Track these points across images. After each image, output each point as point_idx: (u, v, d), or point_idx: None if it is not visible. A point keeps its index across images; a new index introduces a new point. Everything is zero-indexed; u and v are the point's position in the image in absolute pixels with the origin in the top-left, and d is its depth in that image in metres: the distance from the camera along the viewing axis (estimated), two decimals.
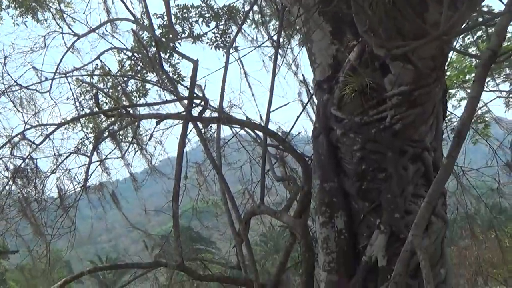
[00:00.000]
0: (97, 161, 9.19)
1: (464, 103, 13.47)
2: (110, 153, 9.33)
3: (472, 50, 11.66)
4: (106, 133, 8.97)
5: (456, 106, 12.68)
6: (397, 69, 5.52)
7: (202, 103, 7.53)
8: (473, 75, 13.26)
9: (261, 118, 10.10)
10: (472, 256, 19.14)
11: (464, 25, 5.69)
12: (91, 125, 11.33)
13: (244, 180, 10.21)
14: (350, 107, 5.84)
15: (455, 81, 12.54)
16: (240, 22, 11.27)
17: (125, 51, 11.57)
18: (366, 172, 5.73)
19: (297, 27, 9.33)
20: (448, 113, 9.23)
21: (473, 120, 9.66)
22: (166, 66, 11.54)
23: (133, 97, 12.04)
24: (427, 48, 5.31)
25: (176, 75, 12.00)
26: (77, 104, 10.78)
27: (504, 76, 12.62)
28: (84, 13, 12.84)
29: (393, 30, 5.30)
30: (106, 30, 11.60)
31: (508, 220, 24.35)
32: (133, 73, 11.85)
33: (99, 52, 11.32)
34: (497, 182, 10.63)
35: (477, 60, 5.92)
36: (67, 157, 9.21)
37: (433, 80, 5.53)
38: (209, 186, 10.40)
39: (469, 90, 12.96)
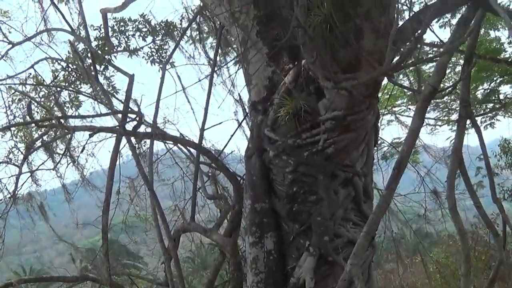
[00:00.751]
0: (28, 171, 9.01)
1: (392, 126, 13.82)
2: (41, 164, 9.16)
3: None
4: (38, 144, 8.79)
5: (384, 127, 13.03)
6: (332, 94, 5.61)
7: (137, 118, 7.47)
8: (404, 100, 13.68)
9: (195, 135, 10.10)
10: (397, 280, 19.43)
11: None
12: (21, 134, 11.09)
13: (176, 196, 10.16)
14: (284, 129, 5.90)
15: (386, 106, 12.83)
16: (177, 38, 11.24)
17: (60, 61, 11.39)
18: (297, 194, 5.79)
19: (234, 47, 9.39)
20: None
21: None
22: (101, 79, 11.41)
23: (66, 108, 11.84)
24: (362, 76, 5.41)
25: (111, 88, 11.86)
26: (9, 112, 10.55)
27: (434, 105, 13.01)
28: (20, 21, 12.58)
29: (329, 57, 5.38)
30: (42, 39, 11.38)
31: (432, 245, 24.89)
32: (67, 84, 11.66)
33: (34, 61, 11.11)
34: (424, 207, 10.89)
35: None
36: None
37: (367, 106, 5.65)
38: (140, 200, 10.30)
39: (399, 116, 13.32)
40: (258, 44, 6.28)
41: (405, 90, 12.39)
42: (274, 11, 6.26)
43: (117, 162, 7.46)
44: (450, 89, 7.37)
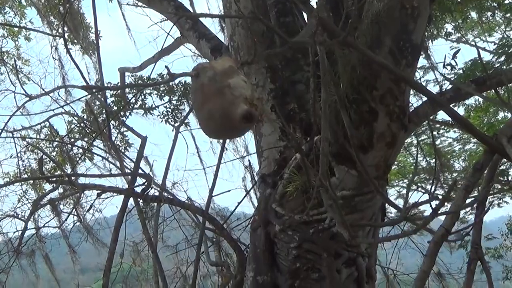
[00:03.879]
0: (33, 228, 9.09)
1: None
2: (48, 222, 9.22)
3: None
4: (46, 200, 8.87)
5: None
6: (342, 173, 5.63)
7: (146, 181, 7.53)
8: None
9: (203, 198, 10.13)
10: None
11: None
12: (30, 187, 11.20)
13: (178, 259, 10.16)
14: (292, 205, 5.91)
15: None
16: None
17: (74, 116, 11.55)
18: (300, 271, 5.77)
19: None
20: None
21: None
22: (115, 133, 11.55)
23: (77, 160, 11.95)
24: (372, 157, 5.46)
25: (124, 142, 11.96)
26: (20, 163, 10.71)
27: None
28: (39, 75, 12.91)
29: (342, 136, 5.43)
30: (58, 94, 11.63)
31: None
32: (81, 136, 11.82)
33: (49, 114, 11.32)
34: None
35: None
36: (1, 219, 9.05)
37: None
38: (142, 261, 10.31)
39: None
40: (272, 117, 6.36)
41: None
42: (289, 86, 6.36)
43: (122, 224, 7.49)
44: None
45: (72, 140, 11.67)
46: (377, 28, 5.35)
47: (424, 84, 11.23)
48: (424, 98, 6.16)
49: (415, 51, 5.46)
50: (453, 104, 8.97)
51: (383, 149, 5.42)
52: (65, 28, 10.38)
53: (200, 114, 3.82)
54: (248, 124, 3.63)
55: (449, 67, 6.21)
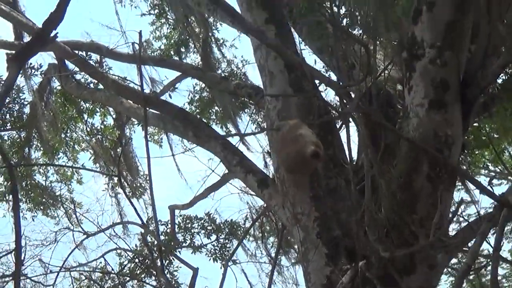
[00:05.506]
0: None
1: None
2: None
3: None
4: None
5: None
6: None
7: None
8: None
9: None
10: None
11: None
12: None
13: None
14: None
15: None
16: (240, 237, 11.73)
17: (128, 252, 11.98)
18: None
19: (295, 246, 9.74)
20: None
21: None
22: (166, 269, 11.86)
23: None
24: (416, 280, 5.64)
25: (174, 282, 12.21)
26: None
27: None
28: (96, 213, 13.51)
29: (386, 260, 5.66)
30: (114, 230, 12.17)
31: None
32: (134, 273, 12.15)
33: (105, 250, 11.83)
34: None
35: None
36: None
37: None
38: None
39: None
40: (318, 244, 6.62)
41: None
42: (333, 214, 6.67)
43: None
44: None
45: (127, 276, 12.01)
46: (414, 155, 5.72)
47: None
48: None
49: (452, 176, 5.79)
50: None
51: (426, 271, 5.62)
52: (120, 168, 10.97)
53: (281, 155, 5.43)
54: (316, 160, 4.96)
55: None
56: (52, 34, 3.33)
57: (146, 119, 8.48)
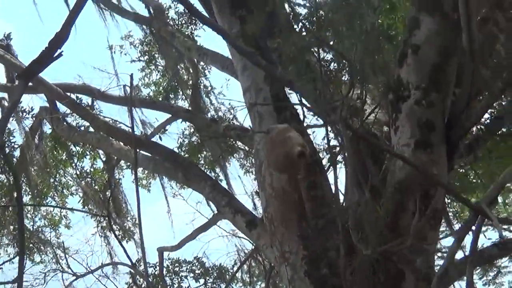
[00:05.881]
0: None
1: None
2: None
3: None
4: None
5: None
6: None
7: None
8: None
9: None
10: None
11: None
12: None
13: None
14: None
15: None
16: (228, 280, 11.74)
17: None
18: None
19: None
20: None
21: None
22: None
23: None
24: None
25: None
26: None
27: None
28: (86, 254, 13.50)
29: None
30: (103, 271, 12.18)
31: None
32: None
33: None
34: None
35: None
36: None
37: None
38: None
39: None
40: (306, 281, 6.66)
41: None
42: (321, 252, 6.73)
43: None
44: None
45: None
46: (400, 194, 5.83)
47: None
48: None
49: (437, 216, 5.90)
50: None
51: None
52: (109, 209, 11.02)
53: (270, 156, 5.67)
54: (303, 159, 5.18)
55: None
56: (57, 53, 3.46)
57: (137, 160, 8.58)
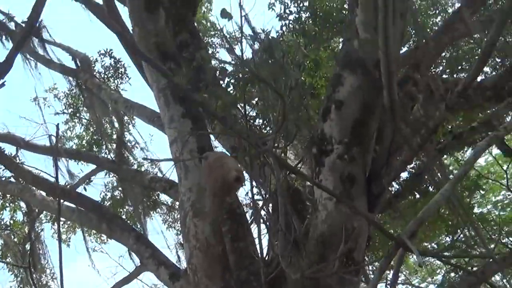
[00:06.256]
0: None
1: None
2: None
3: None
4: None
5: None
6: None
7: None
8: None
9: None
10: None
11: None
12: None
13: None
14: None
15: None
16: None
17: None
18: None
19: None
20: None
21: None
22: None
23: None
24: None
25: None
26: None
27: None
28: None
29: None
30: None
31: None
32: None
33: None
34: None
35: None
36: None
37: None
38: None
39: None
40: None
41: None
42: None
43: None
44: None
45: None
46: (322, 247, 5.93)
47: None
48: None
49: (357, 269, 6.02)
50: None
51: None
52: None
53: (208, 181, 5.69)
54: (239, 184, 5.26)
55: None
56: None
57: (60, 210, 8.41)
